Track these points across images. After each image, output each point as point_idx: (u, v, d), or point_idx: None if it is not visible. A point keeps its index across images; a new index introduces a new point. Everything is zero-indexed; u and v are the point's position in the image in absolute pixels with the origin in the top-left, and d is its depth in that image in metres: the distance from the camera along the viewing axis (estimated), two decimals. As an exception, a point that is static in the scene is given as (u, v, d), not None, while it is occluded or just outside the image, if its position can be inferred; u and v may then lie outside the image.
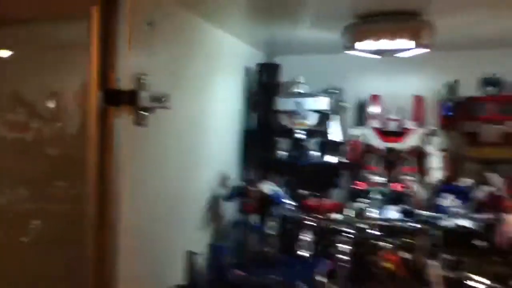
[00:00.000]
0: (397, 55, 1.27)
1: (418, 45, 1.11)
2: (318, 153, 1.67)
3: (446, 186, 1.52)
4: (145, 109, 1.03)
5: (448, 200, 1.48)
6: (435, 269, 1.23)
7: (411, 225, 1.38)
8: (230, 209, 1.49)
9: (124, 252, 0.98)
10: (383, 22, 1.14)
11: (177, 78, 1.18)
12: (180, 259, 1.14)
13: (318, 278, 1.16)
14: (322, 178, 1.64)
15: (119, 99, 0.97)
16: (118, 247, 0.98)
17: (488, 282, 1.21)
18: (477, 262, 1.31)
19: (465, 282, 1.22)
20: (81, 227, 0.95)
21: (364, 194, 1.55)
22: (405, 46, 1.13)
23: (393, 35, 1.12)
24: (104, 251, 0.96)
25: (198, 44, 1.32)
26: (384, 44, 1.15)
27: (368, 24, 1.16)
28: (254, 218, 1.44)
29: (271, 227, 1.43)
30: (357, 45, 1.19)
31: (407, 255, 1.30)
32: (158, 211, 1.12)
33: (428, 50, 1.18)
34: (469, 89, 1.59)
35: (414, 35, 1.10)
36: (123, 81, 0.98)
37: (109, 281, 0.97)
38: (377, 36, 1.13)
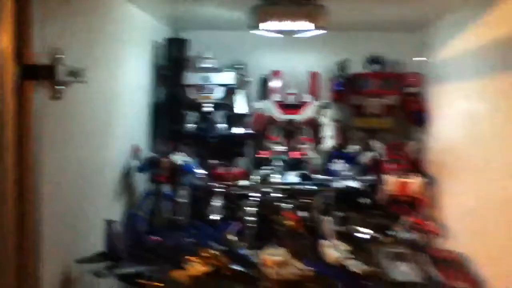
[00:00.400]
0: (298, 35, 1.39)
1: (316, 27, 1.24)
2: (225, 125, 1.76)
3: (337, 153, 1.71)
4: (62, 83, 1.06)
5: (338, 165, 1.67)
6: (328, 224, 1.41)
7: (308, 188, 1.56)
8: (143, 180, 1.54)
9: (46, 222, 1.02)
10: (285, 5, 1.25)
11: (90, 53, 1.19)
12: (99, 228, 1.18)
13: (229, 237, 1.28)
14: (229, 149, 1.75)
15: (36, 73, 0.98)
16: (39, 217, 1.01)
17: (371, 232, 1.41)
18: (362, 216, 1.52)
19: (353, 233, 1.42)
20: (2, 199, 0.97)
21: (268, 161, 1.69)
22: (304, 27, 1.26)
23: (293, 17, 1.24)
24: (25, 221, 0.98)
25: (109, 19, 1.32)
26: (286, 25, 1.26)
27: (271, 6, 1.26)
28: (166, 188, 1.52)
29: (183, 195, 1.52)
30: (261, 25, 1.29)
31: (304, 214, 1.47)
32: (76, 182, 1.15)
33: (325, 31, 1.31)
34: (357, 66, 1.77)
35: (311, 18, 1.22)
36: (40, 56, 0.99)
37: (31, 248, 1.00)
38: (279, 17, 1.24)
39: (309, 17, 1.22)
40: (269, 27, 1.29)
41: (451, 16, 1.48)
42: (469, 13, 1.30)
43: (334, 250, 1.23)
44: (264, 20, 1.27)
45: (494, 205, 1.08)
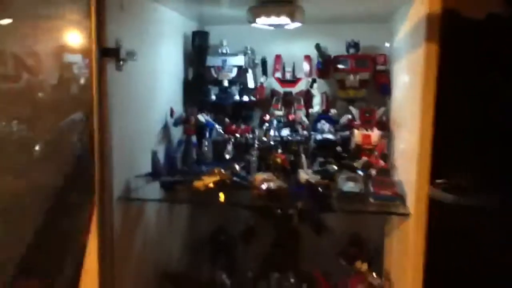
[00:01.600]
0: (285, 27, 1.88)
1: (293, 21, 1.74)
2: (238, 96, 2.27)
3: (322, 116, 2.19)
4: (123, 60, 1.61)
5: (322, 125, 2.15)
6: (305, 161, 1.90)
7: (295, 139, 2.05)
8: (178, 133, 2.10)
9: (115, 152, 1.57)
10: (272, 5, 1.74)
11: (138, 42, 1.73)
12: (148, 159, 1.74)
13: (237, 167, 1.80)
14: (241, 113, 2.26)
15: (108, 53, 1.54)
16: (111, 149, 1.56)
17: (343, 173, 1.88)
18: (335, 159, 1.99)
19: (324, 168, 1.89)
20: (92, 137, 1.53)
21: (269, 122, 2.20)
22: (285, 22, 1.75)
23: (278, 14, 1.73)
24: (105, 151, 1.54)
25: (150, 18, 1.86)
26: (274, 20, 1.75)
27: (263, 6, 1.76)
28: (193, 138, 2.06)
29: (206, 144, 2.07)
30: (257, 20, 1.79)
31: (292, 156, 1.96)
32: (134, 129, 1.70)
33: (300, 24, 1.80)
34: (339, 50, 2.24)
35: (289, 15, 1.71)
36: (109, 42, 1.55)
37: (108, 166, 1.55)
38: (267, 14, 1.73)
39: (287, 14, 1.71)
40: (263, 22, 1.79)
41: (401, 9, 1.93)
42: (406, 7, 1.75)
43: (305, 175, 1.73)
44: (258, 16, 1.77)
45: (409, 148, 1.54)
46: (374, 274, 1.84)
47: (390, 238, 1.96)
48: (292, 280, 1.95)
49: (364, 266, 1.84)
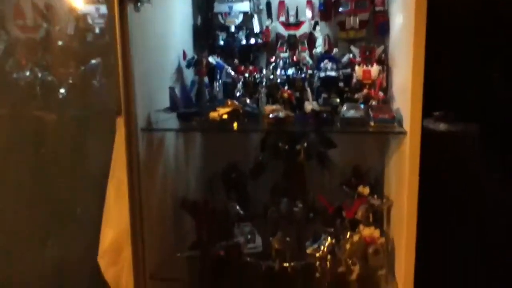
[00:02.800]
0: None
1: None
2: (245, 41, 2.38)
3: (325, 55, 2.31)
4: (140, 1, 1.73)
5: (325, 63, 2.27)
6: (309, 95, 2.05)
7: (300, 76, 2.18)
8: (190, 74, 2.23)
9: (136, 87, 1.71)
10: None
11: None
12: (166, 95, 1.89)
13: (247, 100, 1.95)
14: (248, 56, 2.39)
15: None
16: (133, 83, 1.70)
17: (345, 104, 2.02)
18: (340, 95, 2.13)
19: (333, 103, 2.04)
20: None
21: (275, 62, 2.32)
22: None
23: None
24: (127, 87, 1.68)
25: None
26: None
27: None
28: (205, 79, 2.20)
29: (217, 84, 2.21)
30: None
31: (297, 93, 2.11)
32: (152, 67, 1.84)
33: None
34: (339, -7, 2.32)
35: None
36: None
37: (131, 97, 1.70)
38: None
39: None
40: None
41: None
42: None
43: (310, 105, 1.88)
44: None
45: (405, 81, 1.66)
46: (375, 196, 2.00)
47: (389, 163, 2.12)
48: (300, 205, 2.13)
49: (366, 190, 2.00)
